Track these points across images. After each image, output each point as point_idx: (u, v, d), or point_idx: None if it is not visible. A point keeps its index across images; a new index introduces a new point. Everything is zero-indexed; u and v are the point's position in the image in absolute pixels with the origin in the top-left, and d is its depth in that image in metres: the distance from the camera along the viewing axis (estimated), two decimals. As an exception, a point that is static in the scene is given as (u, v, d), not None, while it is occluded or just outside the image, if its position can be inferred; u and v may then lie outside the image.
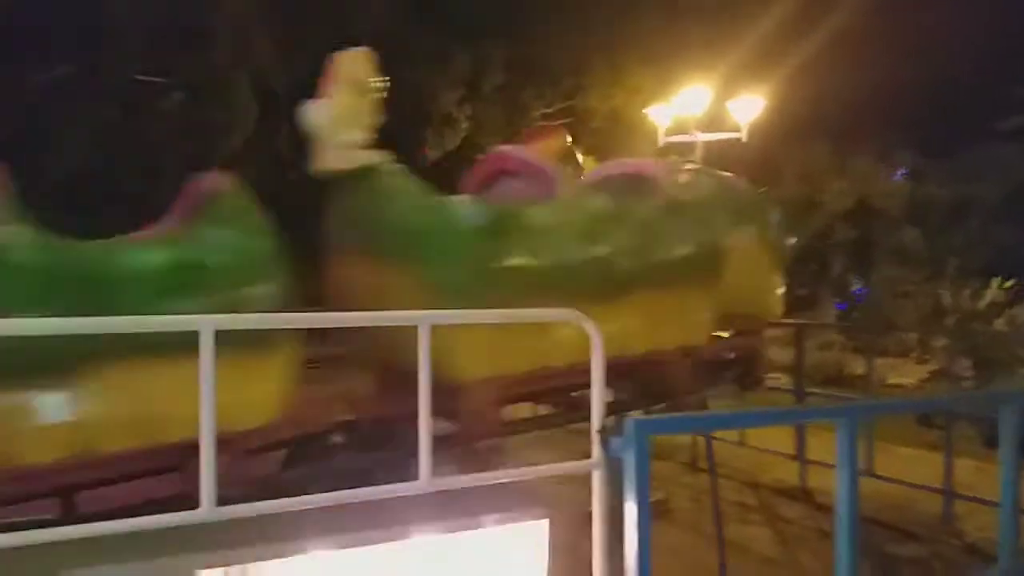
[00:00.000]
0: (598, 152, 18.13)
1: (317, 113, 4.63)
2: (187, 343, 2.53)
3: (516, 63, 21.19)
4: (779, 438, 9.37)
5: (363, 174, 4.74)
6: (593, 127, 22.33)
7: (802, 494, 8.55)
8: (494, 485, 3.16)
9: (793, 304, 12.69)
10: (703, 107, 18.37)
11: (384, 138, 5.00)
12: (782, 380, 9.97)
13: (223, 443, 2.56)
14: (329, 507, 2.66)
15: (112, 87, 15.84)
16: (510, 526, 3.48)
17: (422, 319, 2.88)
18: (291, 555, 3.01)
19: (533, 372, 4.95)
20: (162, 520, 2.46)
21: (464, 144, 20.33)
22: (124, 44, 15.47)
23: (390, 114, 5.03)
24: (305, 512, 2.71)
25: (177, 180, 5.04)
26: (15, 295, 3.42)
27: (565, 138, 6.50)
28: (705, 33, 22.06)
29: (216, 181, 4.46)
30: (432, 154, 19.54)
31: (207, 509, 2.46)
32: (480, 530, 3.41)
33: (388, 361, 4.53)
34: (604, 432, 3.11)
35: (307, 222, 6.02)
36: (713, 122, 18.89)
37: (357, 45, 4.92)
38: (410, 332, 2.85)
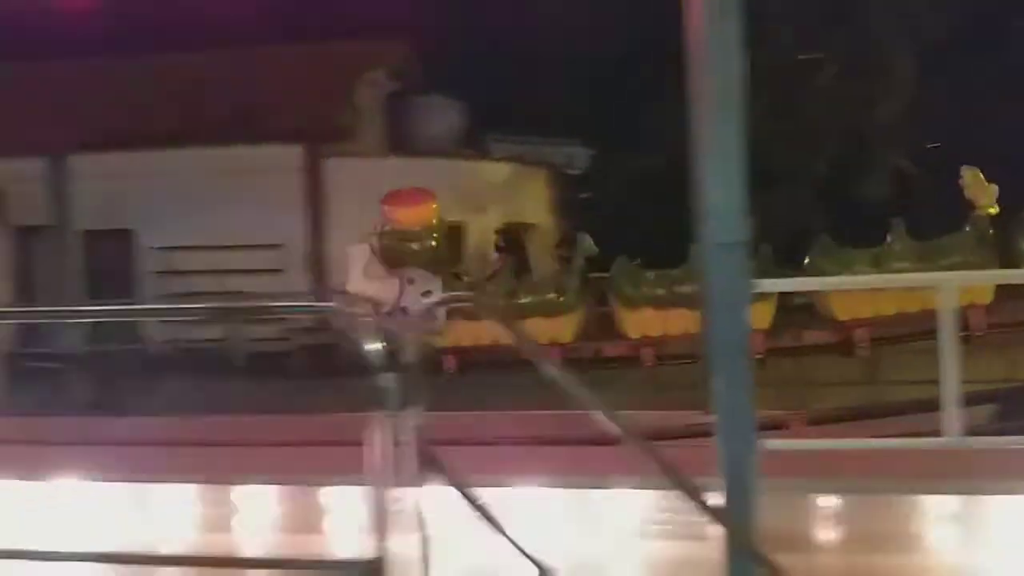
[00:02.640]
0: None
1: None
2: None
3: None
4: None
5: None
6: None
7: None
8: None
9: None
10: None
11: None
12: None
13: None
14: None
15: (775, 69, 16.87)
16: None
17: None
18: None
19: None
20: (908, 443, 2.94)
21: None
22: (786, 27, 16.37)
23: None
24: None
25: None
26: None
27: (433, 202, 6.35)
28: None
29: None
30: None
31: (953, 438, 2.83)
32: None
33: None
34: None
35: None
36: None
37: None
38: None
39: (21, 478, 3.92)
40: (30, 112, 13.76)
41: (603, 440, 2.98)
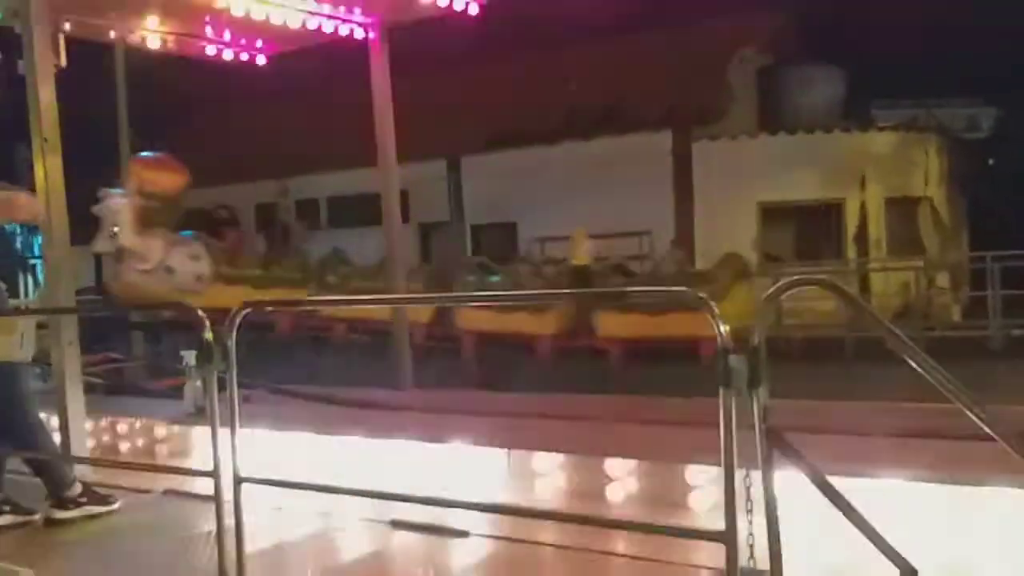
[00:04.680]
0: None
1: None
2: None
3: None
4: None
5: None
6: None
7: None
8: None
9: None
10: None
11: None
12: None
13: None
14: None
15: None
16: None
17: None
18: None
19: None
20: None
21: None
22: None
23: None
24: None
25: None
26: None
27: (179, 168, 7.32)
28: None
29: None
30: None
31: None
32: None
33: None
34: None
35: None
36: None
37: None
38: None
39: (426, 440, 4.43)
40: (426, 118, 15.45)
41: (967, 436, 2.67)
